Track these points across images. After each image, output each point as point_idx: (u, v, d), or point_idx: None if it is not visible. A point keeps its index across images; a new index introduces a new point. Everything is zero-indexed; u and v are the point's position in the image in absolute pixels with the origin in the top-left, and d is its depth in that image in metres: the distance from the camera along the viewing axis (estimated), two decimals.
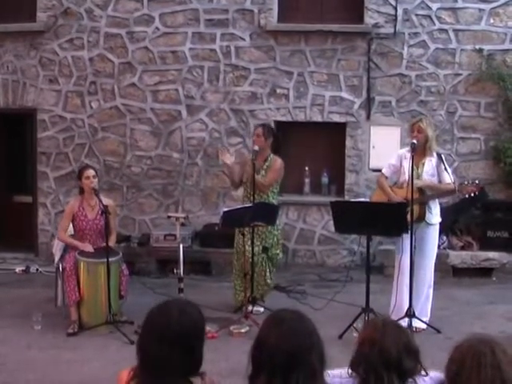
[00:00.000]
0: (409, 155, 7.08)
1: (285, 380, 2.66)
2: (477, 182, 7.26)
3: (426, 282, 7.27)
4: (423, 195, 7.19)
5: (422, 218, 7.15)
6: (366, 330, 3.07)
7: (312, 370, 2.70)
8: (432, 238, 7.29)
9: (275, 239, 7.99)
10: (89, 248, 7.47)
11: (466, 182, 7.30)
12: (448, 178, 7.19)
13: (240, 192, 8.29)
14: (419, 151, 7.10)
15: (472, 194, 7.14)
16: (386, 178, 7.46)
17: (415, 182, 6.98)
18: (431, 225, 7.25)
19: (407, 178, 7.06)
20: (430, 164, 7.22)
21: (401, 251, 7.10)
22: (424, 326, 7.11)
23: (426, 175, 7.18)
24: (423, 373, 3.00)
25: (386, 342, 2.89)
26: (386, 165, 7.46)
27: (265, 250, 7.90)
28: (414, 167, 7.01)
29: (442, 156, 7.37)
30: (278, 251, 8.07)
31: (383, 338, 2.90)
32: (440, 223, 7.39)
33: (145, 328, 2.89)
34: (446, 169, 7.20)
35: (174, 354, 2.77)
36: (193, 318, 2.87)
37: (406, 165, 7.13)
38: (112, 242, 7.55)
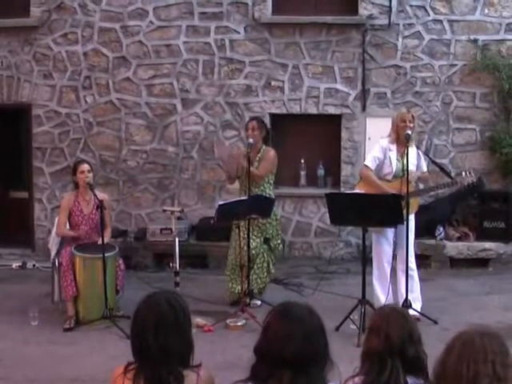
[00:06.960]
0: (393, 147, 7.20)
1: (309, 375, 2.69)
2: (472, 172, 7.28)
3: (412, 269, 7.26)
4: (419, 189, 7.24)
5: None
6: (373, 319, 3.22)
7: (328, 364, 2.76)
8: (411, 226, 7.26)
9: (274, 230, 8.02)
10: (80, 232, 7.54)
11: (463, 173, 7.31)
12: (425, 166, 7.41)
13: (236, 185, 8.26)
14: (402, 142, 7.08)
15: (470, 184, 7.19)
16: (371, 171, 7.32)
17: (411, 173, 7.00)
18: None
19: (394, 170, 7.11)
20: (412, 155, 7.21)
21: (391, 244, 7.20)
22: (418, 315, 7.09)
23: (411, 165, 7.15)
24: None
25: (390, 330, 3.04)
26: (370, 157, 7.35)
27: (266, 240, 7.92)
28: (399, 158, 7.08)
29: (419, 147, 7.51)
30: (278, 241, 8.10)
31: (388, 326, 3.06)
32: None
33: (137, 320, 3.06)
34: (423, 159, 7.40)
35: (169, 341, 2.93)
36: (181, 304, 3.05)
37: (393, 156, 7.18)
38: (107, 237, 7.53)
